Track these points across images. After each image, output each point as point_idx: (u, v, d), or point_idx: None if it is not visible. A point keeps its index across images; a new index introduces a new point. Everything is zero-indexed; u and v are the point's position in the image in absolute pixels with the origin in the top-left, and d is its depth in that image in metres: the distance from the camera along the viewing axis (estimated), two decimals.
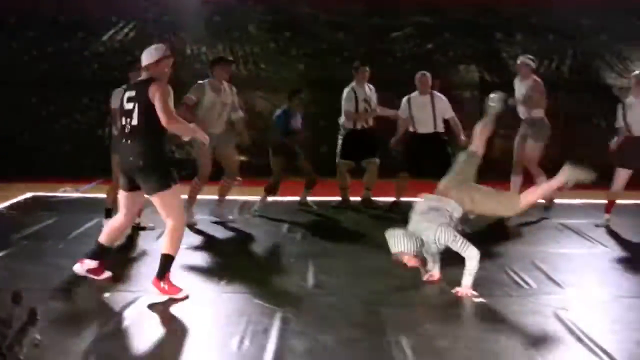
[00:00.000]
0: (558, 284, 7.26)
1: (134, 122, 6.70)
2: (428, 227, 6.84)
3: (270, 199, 11.11)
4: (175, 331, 5.88)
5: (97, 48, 15.43)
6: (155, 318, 6.22)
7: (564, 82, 16.06)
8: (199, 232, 9.58)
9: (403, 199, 11.09)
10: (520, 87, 10.97)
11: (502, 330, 5.97)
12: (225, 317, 6.21)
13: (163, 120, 6.56)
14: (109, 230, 7.15)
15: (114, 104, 8.42)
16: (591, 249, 8.88)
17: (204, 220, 10.08)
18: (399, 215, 10.55)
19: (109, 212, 9.22)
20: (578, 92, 16.03)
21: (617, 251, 8.87)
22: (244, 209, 10.90)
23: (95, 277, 7.05)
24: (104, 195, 9.76)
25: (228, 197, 10.44)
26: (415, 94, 11.40)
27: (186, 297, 6.66)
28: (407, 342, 5.57)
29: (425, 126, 11.35)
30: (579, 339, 5.72)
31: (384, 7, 15.93)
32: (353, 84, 11.43)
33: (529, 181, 10.42)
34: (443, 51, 15.99)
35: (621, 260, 8.46)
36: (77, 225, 9.63)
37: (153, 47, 6.88)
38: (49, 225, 9.88)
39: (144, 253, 8.47)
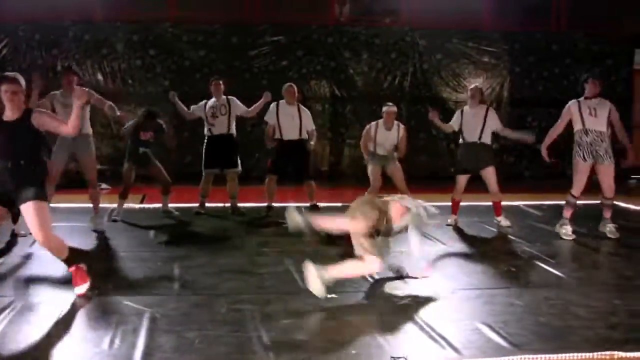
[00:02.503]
0: (403, 280, 7.40)
1: None
2: None
3: (137, 205, 10.94)
4: (50, 334, 5.68)
5: None
6: (30, 321, 5.99)
7: (406, 96, 16.48)
8: (70, 240, 9.30)
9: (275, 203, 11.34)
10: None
11: (353, 323, 6.04)
12: (97, 319, 6.05)
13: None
14: None
15: None
16: (432, 247, 9.05)
17: (74, 227, 9.81)
18: (271, 218, 10.71)
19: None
20: (418, 104, 16.46)
21: (454, 248, 9.12)
22: (110, 216, 10.62)
23: None
24: None
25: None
26: (282, 102, 11.51)
27: None
28: (267, 336, 5.58)
29: (291, 133, 11.44)
30: (422, 329, 5.87)
31: (242, 27, 16.01)
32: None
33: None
34: (296, 68, 16.14)
35: (458, 257, 8.71)
36: None
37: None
38: None
39: (19, 259, 8.24)
